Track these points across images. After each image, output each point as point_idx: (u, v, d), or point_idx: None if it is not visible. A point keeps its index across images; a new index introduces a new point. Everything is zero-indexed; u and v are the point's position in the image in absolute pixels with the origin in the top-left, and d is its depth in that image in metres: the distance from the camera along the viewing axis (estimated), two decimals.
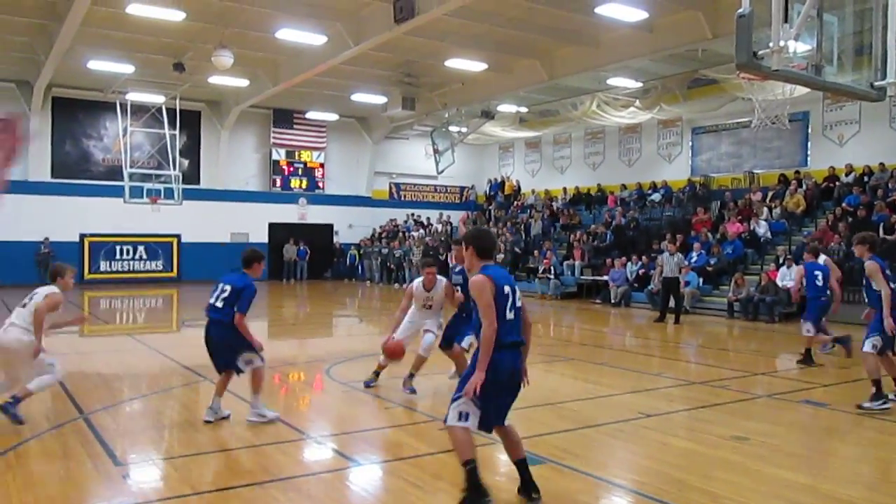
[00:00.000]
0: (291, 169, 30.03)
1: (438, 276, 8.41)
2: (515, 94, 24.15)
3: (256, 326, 12.75)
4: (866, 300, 7.88)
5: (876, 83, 6.07)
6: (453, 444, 4.59)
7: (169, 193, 25.15)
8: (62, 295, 6.84)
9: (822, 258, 11.33)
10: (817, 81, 5.72)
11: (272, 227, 29.31)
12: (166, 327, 16.33)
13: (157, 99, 24.61)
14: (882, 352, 7.58)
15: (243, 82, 23.44)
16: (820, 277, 10.57)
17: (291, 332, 15.45)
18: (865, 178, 19.68)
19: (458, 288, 8.09)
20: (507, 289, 4.59)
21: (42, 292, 6.71)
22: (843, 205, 18.81)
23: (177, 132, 25.35)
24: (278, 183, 29.67)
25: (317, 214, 30.25)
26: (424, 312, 8.39)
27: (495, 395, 4.53)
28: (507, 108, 26.54)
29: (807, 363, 10.50)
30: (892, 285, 7.58)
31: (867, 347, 7.56)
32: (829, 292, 10.65)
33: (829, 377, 9.52)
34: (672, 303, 16.43)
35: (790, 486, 5.21)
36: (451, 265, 10.02)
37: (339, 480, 5.46)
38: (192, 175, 27.74)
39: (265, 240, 29.02)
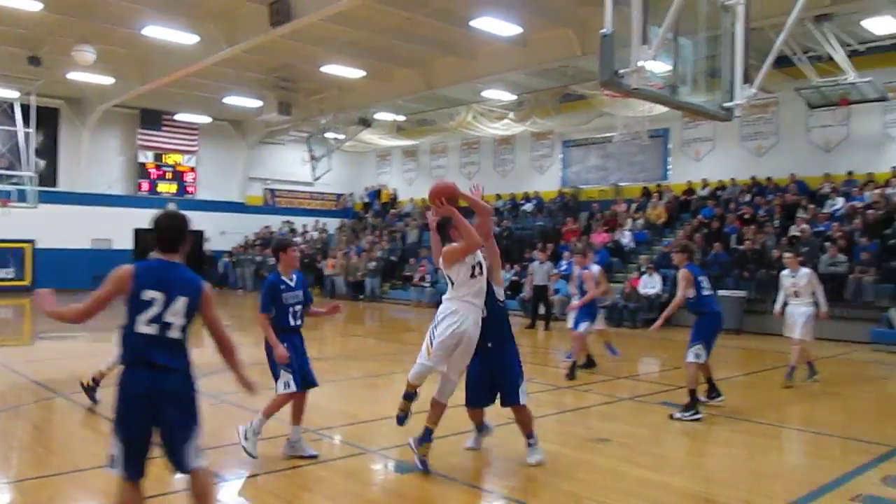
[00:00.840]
0: (160, 172, 28.73)
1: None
2: (393, 102, 24.22)
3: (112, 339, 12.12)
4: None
5: (725, 104, 6.53)
6: None
7: (22, 195, 23.47)
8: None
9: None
10: (672, 100, 6.08)
11: (138, 233, 27.87)
12: (17, 340, 15.20)
13: (10, 94, 22.94)
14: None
15: (107, 80, 22.24)
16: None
17: None
18: (719, 192, 21.07)
19: None
20: (149, 294, 3.64)
21: None
22: (700, 217, 20.05)
23: (32, 130, 23.69)
24: (145, 187, 28.30)
25: None
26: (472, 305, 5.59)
27: (127, 425, 3.66)
28: (384, 116, 26.58)
29: (588, 366, 10.78)
30: (706, 292, 7.91)
31: (690, 357, 7.77)
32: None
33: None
34: (542, 310, 16.95)
35: (647, 484, 5.47)
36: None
37: None
38: (48, 176, 25.92)
39: (129, 246, 27.58)
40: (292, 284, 5.99)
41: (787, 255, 10.33)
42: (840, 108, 17.71)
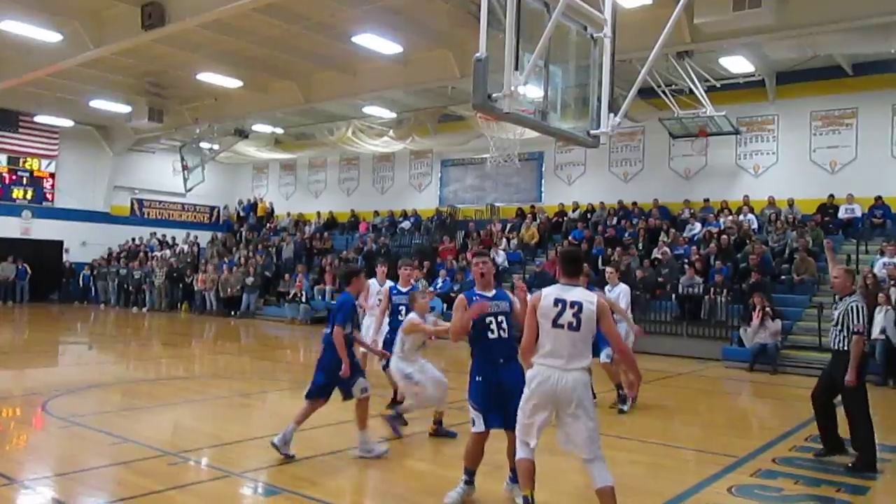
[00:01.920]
0: (14, 177, 26.82)
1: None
2: (271, 114, 23.76)
3: None
4: None
5: (592, 131, 6.80)
6: None
7: None
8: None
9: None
10: (542, 126, 6.27)
11: None
12: None
13: None
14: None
15: None
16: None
17: (4, 362, 13.65)
18: (588, 215, 21.95)
19: (403, 309, 8.84)
20: None
21: None
22: (570, 238, 20.79)
23: None
24: None
25: (44, 229, 27.26)
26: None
27: None
28: (262, 127, 26.02)
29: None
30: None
31: (603, 358, 9.05)
32: None
33: None
34: None
35: (511, 499, 5.57)
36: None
37: None
38: None
39: None
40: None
41: (608, 269, 10.26)
42: (699, 139, 18.90)
